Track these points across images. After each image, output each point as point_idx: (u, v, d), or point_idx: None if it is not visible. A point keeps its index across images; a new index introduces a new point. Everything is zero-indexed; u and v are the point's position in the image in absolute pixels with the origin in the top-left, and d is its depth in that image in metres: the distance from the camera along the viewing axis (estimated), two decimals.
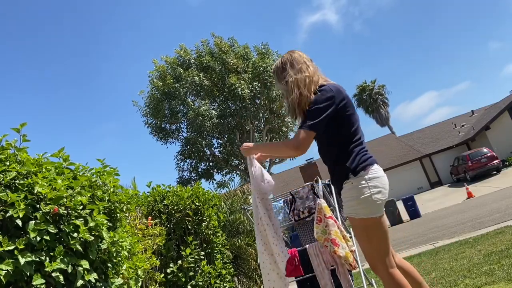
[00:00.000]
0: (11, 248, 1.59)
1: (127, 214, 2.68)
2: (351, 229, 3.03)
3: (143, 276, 2.74)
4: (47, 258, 1.72)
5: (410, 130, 33.64)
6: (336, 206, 3.54)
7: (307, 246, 3.34)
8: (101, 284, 2.00)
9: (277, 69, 2.36)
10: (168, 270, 3.73)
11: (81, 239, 1.88)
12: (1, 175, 1.72)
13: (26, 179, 1.79)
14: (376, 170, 2.12)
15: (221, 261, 4.34)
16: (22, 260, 1.59)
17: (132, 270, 2.48)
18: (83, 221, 1.92)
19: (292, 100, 2.18)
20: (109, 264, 2.13)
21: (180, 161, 17.38)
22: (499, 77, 65.64)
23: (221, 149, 17.35)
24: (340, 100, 2.12)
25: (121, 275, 2.27)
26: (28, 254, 1.63)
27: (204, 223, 4.20)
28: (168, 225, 3.97)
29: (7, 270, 1.54)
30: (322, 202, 3.11)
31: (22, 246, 1.62)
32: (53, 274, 1.70)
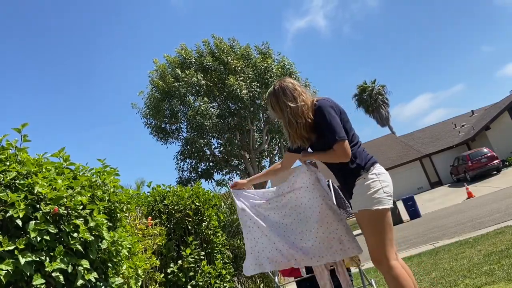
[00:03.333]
0: (11, 248, 1.60)
1: (127, 214, 2.68)
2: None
3: (143, 276, 2.74)
4: (47, 258, 1.72)
5: (407, 131, 33.58)
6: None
7: None
8: (101, 283, 2.00)
9: (270, 99, 2.40)
10: (168, 270, 3.73)
11: (81, 239, 1.88)
12: (1, 175, 1.72)
13: (26, 179, 1.79)
14: (381, 167, 2.31)
15: (221, 261, 4.34)
16: (22, 260, 1.59)
17: (132, 270, 2.48)
18: (83, 221, 1.93)
19: (290, 129, 2.29)
20: (109, 264, 2.14)
21: (180, 161, 17.38)
22: (493, 79, 66.12)
23: (221, 149, 17.35)
24: (337, 108, 2.30)
25: (121, 275, 2.28)
26: (28, 254, 1.63)
27: (204, 223, 4.20)
28: (168, 225, 3.97)
29: (7, 270, 1.54)
30: None
31: (22, 246, 1.62)
32: (53, 274, 1.70)
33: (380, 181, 2.22)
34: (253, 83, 15.25)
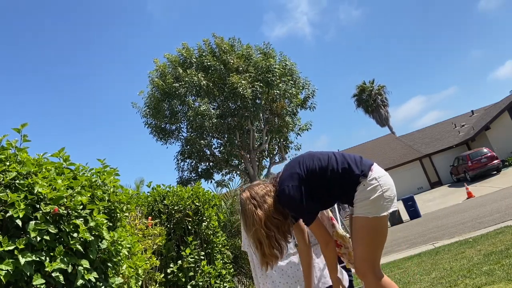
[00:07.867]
0: (11, 248, 1.60)
1: (127, 214, 2.68)
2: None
3: (143, 276, 2.74)
4: (47, 258, 1.72)
5: (399, 134, 33.46)
6: (336, 206, 3.55)
7: None
8: (101, 283, 2.00)
9: (240, 213, 2.37)
10: (168, 270, 3.73)
11: (81, 239, 1.88)
12: (1, 175, 1.72)
13: (26, 179, 1.79)
14: (378, 169, 2.18)
15: (221, 261, 4.34)
16: (22, 260, 1.59)
17: (132, 270, 2.48)
18: (83, 221, 1.93)
19: (258, 251, 2.25)
20: (109, 264, 2.14)
21: (180, 161, 17.36)
22: (485, 82, 66.67)
23: (221, 149, 17.34)
24: (300, 182, 2.17)
25: (121, 275, 2.28)
26: (28, 254, 1.64)
27: (204, 223, 4.20)
28: (168, 225, 3.97)
29: (7, 270, 1.54)
30: None
31: (22, 246, 1.62)
32: (53, 274, 1.70)
33: (381, 185, 2.11)
34: (255, 82, 15.23)
